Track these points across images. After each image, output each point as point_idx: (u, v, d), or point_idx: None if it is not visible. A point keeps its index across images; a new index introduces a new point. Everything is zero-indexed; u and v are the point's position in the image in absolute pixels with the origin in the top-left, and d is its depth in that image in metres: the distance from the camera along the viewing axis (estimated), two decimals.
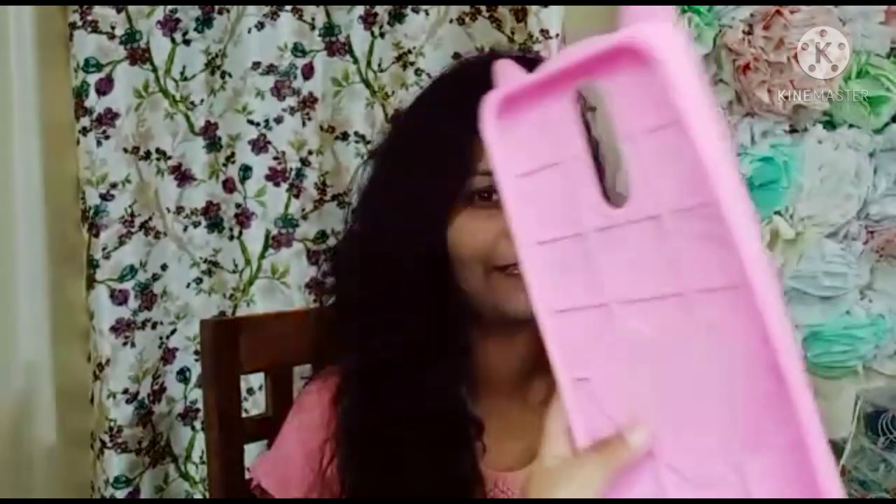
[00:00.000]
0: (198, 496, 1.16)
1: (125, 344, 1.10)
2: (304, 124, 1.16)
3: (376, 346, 0.60)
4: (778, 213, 1.34)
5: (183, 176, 1.14)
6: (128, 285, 1.10)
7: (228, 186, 1.15)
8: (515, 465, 0.64)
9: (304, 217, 1.18)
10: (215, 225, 1.16)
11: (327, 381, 0.63)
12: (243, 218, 1.15)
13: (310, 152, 1.17)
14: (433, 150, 0.59)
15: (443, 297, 0.59)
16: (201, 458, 1.16)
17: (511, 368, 0.65)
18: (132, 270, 1.10)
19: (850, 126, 1.36)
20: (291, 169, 1.15)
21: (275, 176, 1.15)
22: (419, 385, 0.59)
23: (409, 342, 0.59)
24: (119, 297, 1.10)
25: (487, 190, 0.58)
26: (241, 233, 1.15)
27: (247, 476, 0.74)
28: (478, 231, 0.58)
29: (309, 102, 1.17)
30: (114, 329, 1.09)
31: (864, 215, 1.38)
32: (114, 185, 1.08)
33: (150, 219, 1.13)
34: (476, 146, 0.58)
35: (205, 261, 1.16)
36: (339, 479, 0.60)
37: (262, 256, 1.16)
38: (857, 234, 1.38)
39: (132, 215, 1.10)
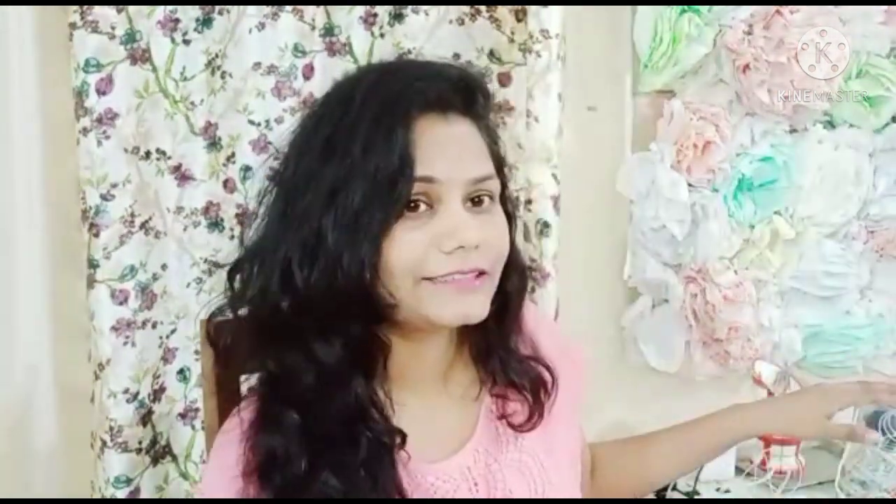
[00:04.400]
0: (198, 496, 1.16)
1: (125, 343, 1.10)
2: None
3: (300, 357, 0.59)
4: (778, 213, 1.34)
5: (183, 176, 1.14)
6: (128, 285, 1.10)
7: (229, 186, 1.15)
8: (440, 455, 0.65)
9: None
10: (215, 225, 1.16)
11: (241, 415, 0.62)
12: (244, 218, 1.15)
13: None
14: (375, 161, 0.57)
15: (375, 308, 0.59)
16: (201, 457, 1.16)
17: (430, 364, 0.66)
18: (132, 270, 1.10)
19: (850, 126, 1.36)
20: None
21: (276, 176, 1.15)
22: (340, 396, 0.59)
23: (338, 353, 0.59)
24: (119, 297, 1.10)
25: (415, 199, 0.58)
26: (241, 232, 1.15)
27: None
28: (409, 243, 0.58)
29: (309, 103, 1.16)
30: (114, 329, 1.09)
31: (864, 215, 1.38)
32: (114, 185, 1.08)
33: (151, 219, 1.12)
34: (411, 150, 0.58)
35: (205, 261, 1.16)
36: None
37: None
38: (856, 234, 1.38)
39: (132, 215, 1.10)
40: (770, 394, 1.26)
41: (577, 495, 0.73)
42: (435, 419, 0.64)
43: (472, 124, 0.63)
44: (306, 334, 0.59)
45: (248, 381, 0.68)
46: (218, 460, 0.62)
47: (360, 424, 0.59)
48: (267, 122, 1.13)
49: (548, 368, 0.70)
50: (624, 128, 1.32)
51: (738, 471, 1.26)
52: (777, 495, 1.21)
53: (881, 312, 1.40)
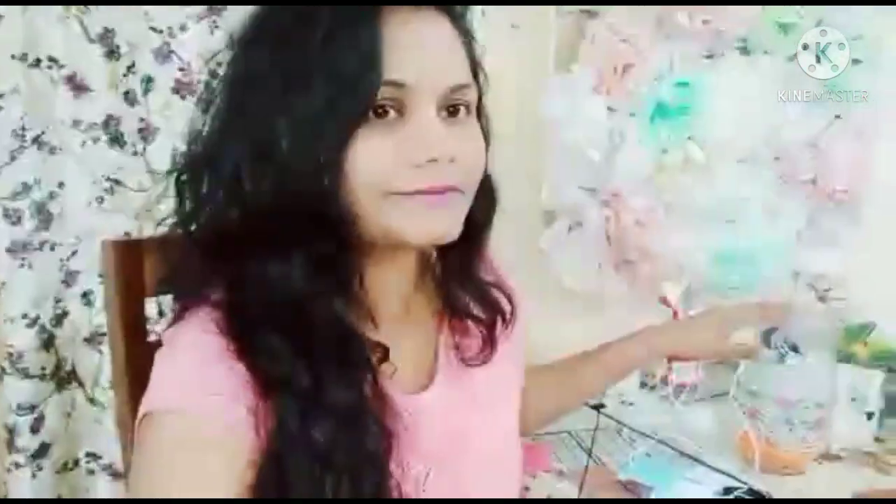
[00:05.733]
0: (107, 421, 1.14)
1: (22, 266, 1.04)
2: None
3: (265, 277, 0.53)
4: (690, 138, 1.36)
5: (78, 86, 1.06)
6: (22, 204, 1.03)
7: (130, 99, 1.08)
8: (412, 387, 0.62)
9: None
10: (116, 140, 1.10)
11: (204, 317, 0.54)
12: (147, 133, 1.08)
13: None
14: (336, 57, 0.50)
15: (334, 223, 0.53)
16: (110, 383, 1.13)
17: (394, 290, 0.62)
18: (26, 188, 1.04)
19: (765, 53, 1.38)
20: None
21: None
22: (315, 315, 0.53)
23: (300, 272, 0.53)
24: (13, 217, 1.03)
25: (382, 104, 0.52)
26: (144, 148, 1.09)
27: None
28: (374, 152, 0.52)
29: (215, 10, 1.09)
30: (9, 251, 1.03)
31: (773, 142, 1.43)
32: (0, 95, 1.00)
33: (44, 133, 1.05)
34: (378, 47, 0.51)
35: (107, 178, 1.10)
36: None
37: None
38: (764, 159, 1.43)
39: (23, 128, 1.03)
40: (675, 314, 1.32)
41: (517, 430, 0.72)
42: (398, 348, 0.59)
43: (450, 22, 0.55)
44: (261, 252, 0.52)
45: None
46: (198, 387, 0.52)
47: (349, 342, 0.54)
48: (170, 28, 1.06)
49: (509, 298, 0.68)
50: (547, 47, 1.30)
51: (642, 385, 1.33)
52: (677, 406, 1.28)
53: (783, 235, 1.47)
